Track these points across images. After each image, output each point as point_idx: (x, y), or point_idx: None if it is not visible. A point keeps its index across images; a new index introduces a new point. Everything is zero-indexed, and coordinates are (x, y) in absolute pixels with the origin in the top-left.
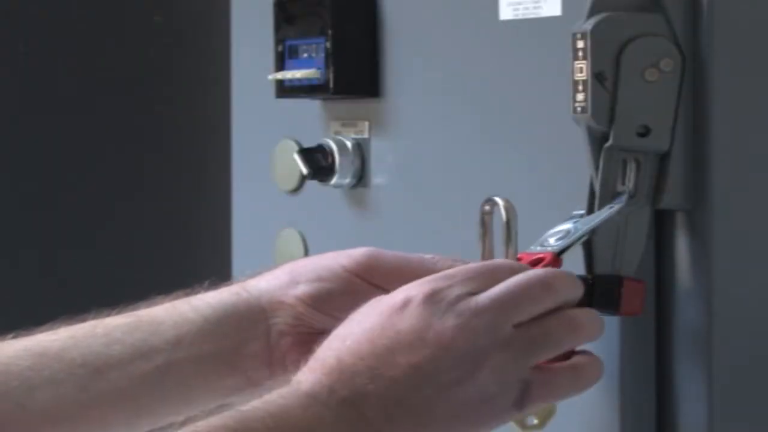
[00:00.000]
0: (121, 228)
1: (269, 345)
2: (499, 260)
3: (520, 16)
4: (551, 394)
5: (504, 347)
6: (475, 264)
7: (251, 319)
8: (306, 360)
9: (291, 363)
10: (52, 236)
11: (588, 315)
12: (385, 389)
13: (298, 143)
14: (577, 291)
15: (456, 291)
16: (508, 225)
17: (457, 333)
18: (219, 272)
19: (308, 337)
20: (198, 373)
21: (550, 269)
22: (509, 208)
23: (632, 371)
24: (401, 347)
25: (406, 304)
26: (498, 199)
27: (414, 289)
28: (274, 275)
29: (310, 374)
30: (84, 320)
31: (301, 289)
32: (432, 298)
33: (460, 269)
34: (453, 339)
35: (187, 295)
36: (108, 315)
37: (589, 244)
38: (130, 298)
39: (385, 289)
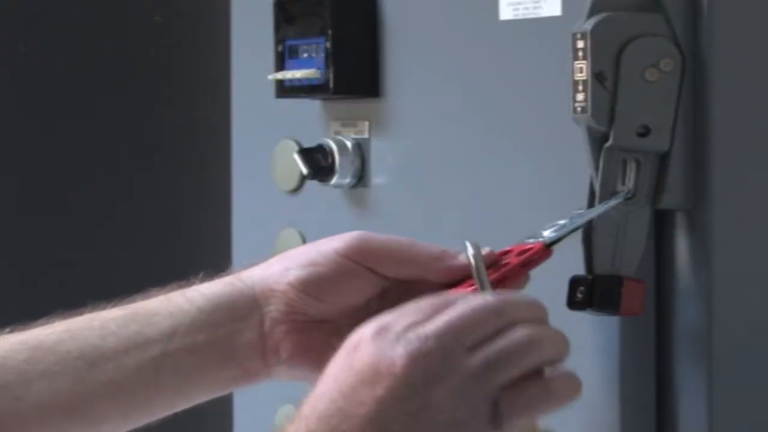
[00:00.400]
0: (121, 228)
1: (263, 334)
2: (452, 294)
3: (520, 16)
4: (523, 411)
5: (459, 370)
6: (427, 298)
7: (245, 308)
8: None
9: (285, 352)
10: (52, 236)
11: (547, 330)
12: (360, 427)
13: (298, 143)
14: (534, 312)
15: (404, 322)
16: (478, 271)
17: (408, 361)
18: (219, 272)
19: (303, 324)
20: (194, 364)
21: (502, 297)
22: (476, 255)
23: (632, 371)
24: (362, 384)
25: (359, 342)
26: (467, 243)
27: (365, 328)
28: (267, 264)
29: (294, 424)
30: (80, 314)
31: (293, 275)
32: (380, 332)
33: (411, 305)
34: (404, 367)
35: (182, 286)
36: (104, 308)
37: (589, 243)
38: (129, 298)
39: (376, 272)
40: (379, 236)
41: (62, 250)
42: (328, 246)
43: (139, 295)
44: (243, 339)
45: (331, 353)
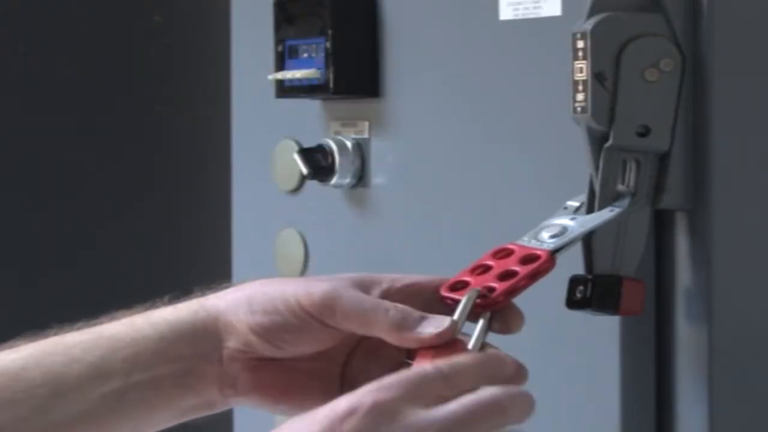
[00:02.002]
0: (122, 228)
1: (221, 368)
2: (457, 363)
3: (520, 16)
4: None
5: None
6: (417, 373)
7: (206, 341)
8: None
9: (241, 386)
10: (51, 236)
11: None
12: None
13: (298, 143)
14: (530, 410)
15: (402, 405)
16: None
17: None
18: (219, 272)
19: (258, 362)
20: (155, 394)
21: (507, 389)
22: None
23: (632, 372)
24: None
25: (350, 413)
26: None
27: (358, 398)
28: (234, 296)
29: None
30: (46, 336)
31: (255, 320)
32: (376, 410)
33: (406, 378)
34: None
35: (147, 309)
36: (70, 330)
37: (588, 243)
38: (129, 298)
39: (339, 330)
40: (346, 296)
41: (62, 250)
42: (295, 297)
43: (104, 317)
44: (201, 372)
45: (286, 388)
